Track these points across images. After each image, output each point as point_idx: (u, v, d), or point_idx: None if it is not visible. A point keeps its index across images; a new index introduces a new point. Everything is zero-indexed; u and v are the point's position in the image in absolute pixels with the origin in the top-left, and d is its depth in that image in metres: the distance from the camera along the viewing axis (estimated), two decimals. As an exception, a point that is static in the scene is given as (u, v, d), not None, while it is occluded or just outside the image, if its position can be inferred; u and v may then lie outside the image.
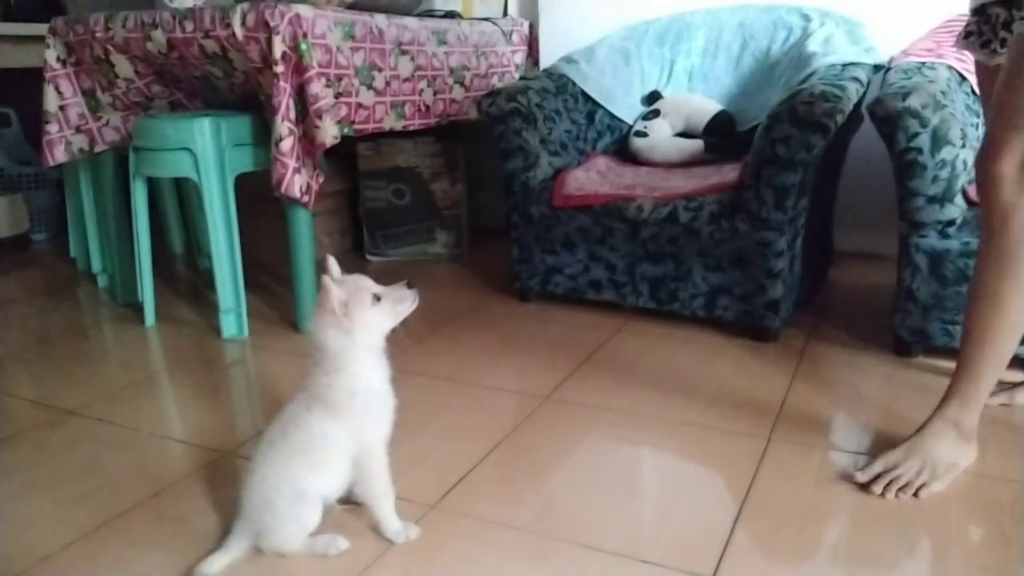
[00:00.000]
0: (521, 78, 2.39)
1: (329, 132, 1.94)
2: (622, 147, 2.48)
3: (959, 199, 1.66)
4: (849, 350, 1.90)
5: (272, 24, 1.87)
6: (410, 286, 1.19)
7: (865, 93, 1.99)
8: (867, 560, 1.14)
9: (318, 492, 1.16)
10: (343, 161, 2.81)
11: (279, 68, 1.88)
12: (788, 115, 1.77)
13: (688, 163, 2.31)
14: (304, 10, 1.91)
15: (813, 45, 2.21)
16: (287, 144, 1.93)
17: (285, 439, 1.16)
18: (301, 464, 1.15)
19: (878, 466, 1.32)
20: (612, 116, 2.52)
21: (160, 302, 2.28)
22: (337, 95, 2.03)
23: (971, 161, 1.69)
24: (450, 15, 2.66)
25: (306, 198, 2.00)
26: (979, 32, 1.34)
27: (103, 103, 2.34)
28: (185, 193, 2.80)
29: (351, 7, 2.18)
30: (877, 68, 2.07)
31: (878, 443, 1.48)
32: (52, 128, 2.29)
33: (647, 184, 2.06)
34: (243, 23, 1.90)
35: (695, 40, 2.52)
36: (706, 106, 2.39)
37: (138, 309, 2.24)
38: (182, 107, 2.39)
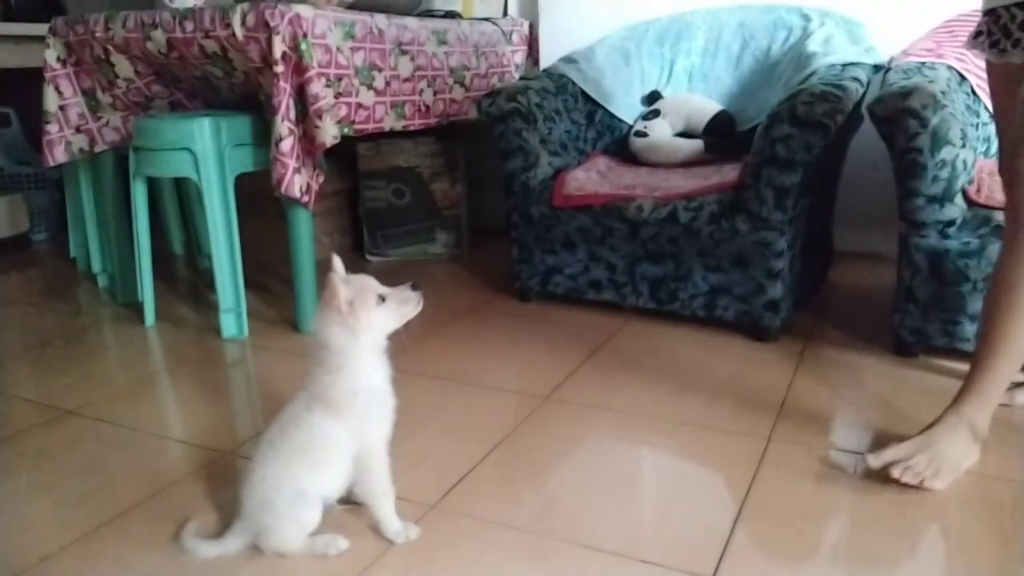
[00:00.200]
0: (521, 78, 2.39)
1: (329, 132, 1.94)
2: (622, 147, 2.48)
3: (959, 199, 1.66)
4: (849, 350, 1.90)
5: (272, 24, 1.87)
6: (415, 288, 1.19)
7: (865, 93, 1.99)
8: (867, 560, 1.14)
9: (318, 492, 1.17)
10: (343, 161, 2.81)
11: (279, 68, 1.89)
12: (788, 115, 1.77)
13: (688, 163, 2.31)
14: (304, 10, 1.91)
15: (813, 45, 2.21)
16: (287, 144, 1.93)
17: (285, 439, 1.16)
18: (301, 464, 1.15)
19: (890, 455, 1.32)
20: (612, 116, 2.52)
21: (160, 302, 2.28)
22: (337, 95, 2.03)
23: (971, 161, 1.69)
24: (450, 15, 2.66)
25: (306, 198, 2.00)
26: (988, 32, 1.35)
27: (103, 103, 2.34)
28: (185, 193, 2.80)
29: (351, 7, 2.18)
30: (877, 68, 2.07)
31: (878, 443, 1.47)
32: (52, 128, 2.29)
33: (647, 184, 2.06)
34: (243, 23, 1.90)
35: (695, 40, 2.52)
36: (706, 106, 2.39)
37: (138, 309, 2.24)
38: (182, 107, 2.39)
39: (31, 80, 2.58)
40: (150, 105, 2.36)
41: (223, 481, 1.39)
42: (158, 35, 2.04)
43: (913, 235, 1.72)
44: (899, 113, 1.63)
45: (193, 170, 1.99)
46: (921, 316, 1.76)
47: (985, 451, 1.39)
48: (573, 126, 2.41)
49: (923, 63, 1.86)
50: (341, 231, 2.96)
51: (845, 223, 2.54)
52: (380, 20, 2.17)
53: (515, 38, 2.84)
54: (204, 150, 1.98)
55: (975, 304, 1.69)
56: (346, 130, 2.08)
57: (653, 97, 2.50)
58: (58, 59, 2.26)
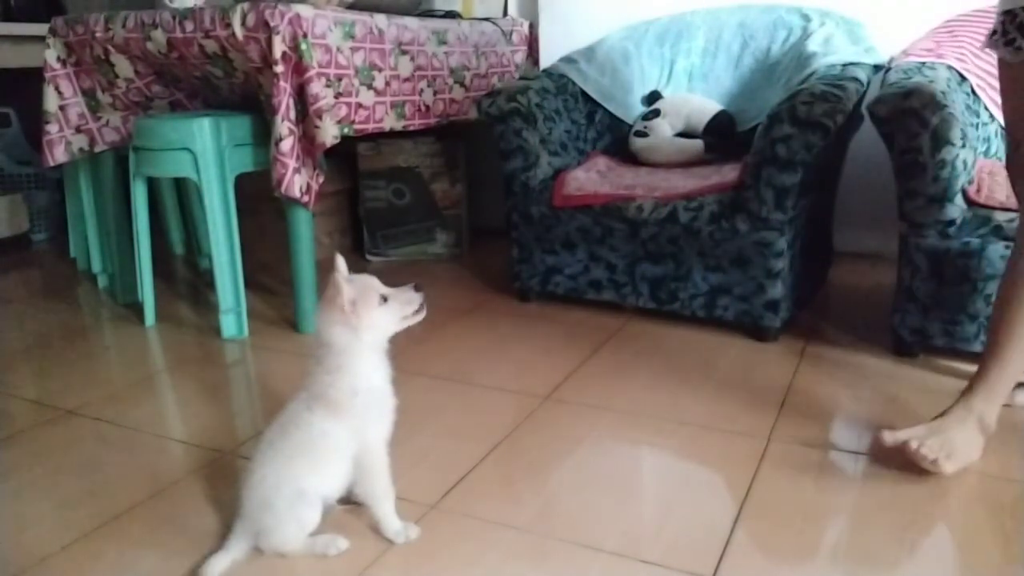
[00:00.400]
0: (521, 78, 2.39)
1: (329, 132, 1.94)
2: (622, 147, 2.48)
3: (959, 199, 1.66)
4: (849, 350, 1.90)
5: (272, 24, 1.87)
6: (418, 289, 1.19)
7: (865, 93, 1.99)
8: (867, 560, 1.14)
9: (318, 492, 1.16)
10: (343, 161, 2.81)
11: (279, 68, 1.88)
12: (788, 115, 1.77)
13: (688, 163, 2.31)
14: (304, 10, 1.91)
15: (813, 45, 2.21)
16: (287, 144, 1.93)
17: (285, 439, 1.16)
18: (301, 464, 1.15)
19: (904, 434, 1.34)
20: (612, 116, 2.52)
21: (160, 302, 2.28)
22: (337, 95, 2.03)
23: (971, 161, 1.69)
24: (450, 15, 2.65)
25: (306, 198, 2.00)
26: (1004, 31, 1.35)
27: (103, 103, 2.34)
28: (185, 193, 2.80)
29: (351, 7, 2.18)
30: (877, 68, 2.07)
31: (878, 443, 1.48)
32: (52, 128, 2.29)
33: (647, 184, 2.06)
34: (243, 23, 1.90)
35: (695, 40, 2.52)
36: (706, 106, 2.39)
37: (138, 309, 2.24)
38: (182, 107, 2.39)
39: (31, 80, 2.58)
40: (150, 105, 2.36)
41: (223, 481, 1.39)
42: (158, 35, 2.04)
43: (913, 235, 1.72)
44: (899, 113, 1.63)
45: (193, 170, 1.99)
46: (921, 316, 1.76)
47: (985, 451, 1.39)
48: (573, 126, 2.41)
49: (923, 63, 1.86)
50: (341, 231, 2.96)
51: (845, 223, 2.54)
52: (380, 20, 2.17)
53: (515, 38, 2.84)
54: (204, 150, 1.98)
55: (975, 304, 1.69)
56: (346, 130, 2.08)
57: (653, 97, 2.50)
58: (58, 59, 2.26)
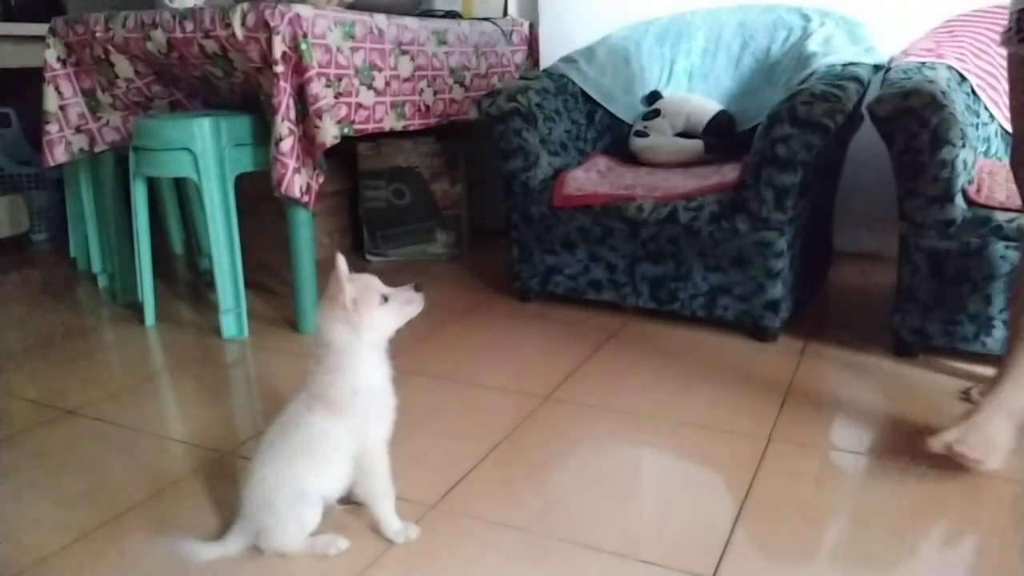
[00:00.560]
0: (521, 78, 2.40)
1: (329, 132, 1.94)
2: (622, 147, 2.48)
3: (959, 199, 1.66)
4: (849, 350, 1.90)
5: (272, 24, 1.87)
6: (418, 289, 1.19)
7: (865, 93, 1.99)
8: (867, 560, 1.14)
9: (318, 492, 1.17)
10: (343, 161, 2.81)
11: (279, 68, 1.89)
12: (788, 115, 1.77)
13: (688, 163, 2.31)
14: (304, 10, 1.91)
15: (813, 45, 2.21)
16: (287, 144, 1.93)
17: (286, 439, 1.16)
18: (302, 464, 1.15)
19: (949, 436, 1.33)
20: (612, 116, 2.52)
21: (160, 302, 2.28)
22: (337, 95, 2.03)
23: (971, 161, 1.69)
24: (450, 15, 2.66)
25: (306, 198, 2.00)
26: (1018, 28, 1.35)
27: (103, 103, 2.34)
28: (185, 193, 2.80)
29: (351, 7, 2.18)
30: (877, 68, 2.07)
31: (878, 443, 1.48)
32: (52, 128, 2.29)
33: (647, 184, 2.06)
34: (243, 23, 1.90)
35: (695, 40, 2.52)
36: (706, 106, 2.39)
37: (138, 309, 2.24)
38: (182, 107, 2.39)
39: (31, 80, 2.58)
40: (150, 105, 2.36)
41: (223, 481, 1.39)
42: (158, 35, 2.04)
43: (913, 235, 1.72)
44: (899, 113, 1.63)
45: (193, 170, 1.99)
46: (921, 316, 1.76)
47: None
48: (573, 126, 2.41)
49: (923, 63, 1.86)
50: (341, 231, 2.96)
51: (845, 223, 2.54)
52: (380, 20, 2.17)
53: (515, 38, 2.84)
54: (204, 150, 1.98)
55: (975, 304, 1.69)
56: (346, 130, 2.08)
57: (653, 97, 2.50)
58: (58, 59, 2.26)
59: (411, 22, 2.30)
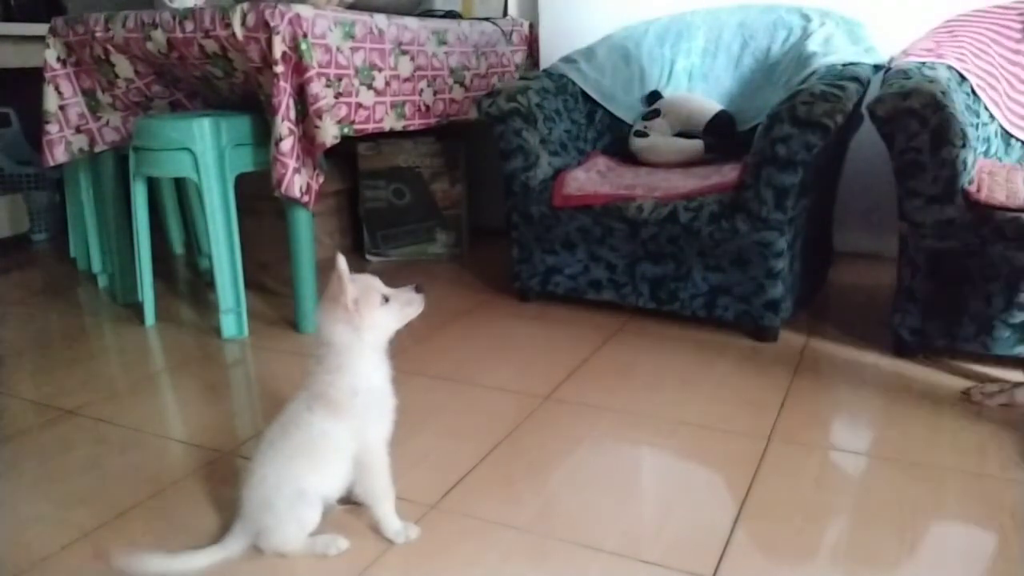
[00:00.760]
0: (521, 78, 2.40)
1: (329, 132, 1.94)
2: (622, 147, 2.48)
3: (959, 199, 1.66)
4: (849, 350, 1.90)
5: (272, 24, 1.87)
6: (419, 290, 1.19)
7: (865, 93, 1.99)
8: (867, 560, 1.14)
9: (318, 492, 1.17)
10: (343, 161, 2.81)
11: (279, 68, 1.89)
12: (788, 115, 1.77)
13: (688, 163, 2.31)
14: (304, 10, 1.91)
15: (813, 45, 2.21)
16: (287, 144, 1.93)
17: (286, 439, 1.16)
18: (302, 464, 1.15)
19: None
20: (612, 116, 2.52)
21: (160, 302, 2.28)
22: (337, 95, 2.03)
23: (971, 161, 1.69)
24: (450, 15, 2.66)
25: (306, 198, 2.00)
26: None
27: (103, 103, 2.34)
28: (185, 193, 2.80)
29: (351, 7, 2.18)
30: (877, 68, 2.07)
31: (878, 443, 1.48)
32: (52, 128, 2.29)
33: (647, 184, 2.06)
34: (243, 23, 1.90)
35: (695, 40, 2.52)
36: (706, 106, 2.39)
37: (138, 309, 2.24)
38: (182, 107, 2.39)
39: (31, 80, 2.58)
40: (150, 105, 2.36)
41: (223, 481, 1.39)
42: (158, 35, 2.04)
43: (913, 235, 1.72)
44: (899, 113, 1.63)
45: (193, 170, 1.99)
46: (921, 316, 1.76)
47: (985, 451, 1.39)
48: (573, 126, 2.41)
49: (923, 63, 1.86)
50: (341, 231, 2.96)
51: (845, 223, 2.54)
52: (380, 20, 2.17)
53: (515, 38, 2.84)
54: (204, 150, 1.98)
55: (975, 304, 1.69)
56: (346, 130, 2.08)
57: (653, 97, 2.50)
58: (58, 59, 2.26)
59: (411, 22, 2.30)
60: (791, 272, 1.94)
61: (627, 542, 1.20)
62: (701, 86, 2.52)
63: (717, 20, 2.51)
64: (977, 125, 1.97)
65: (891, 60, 2.03)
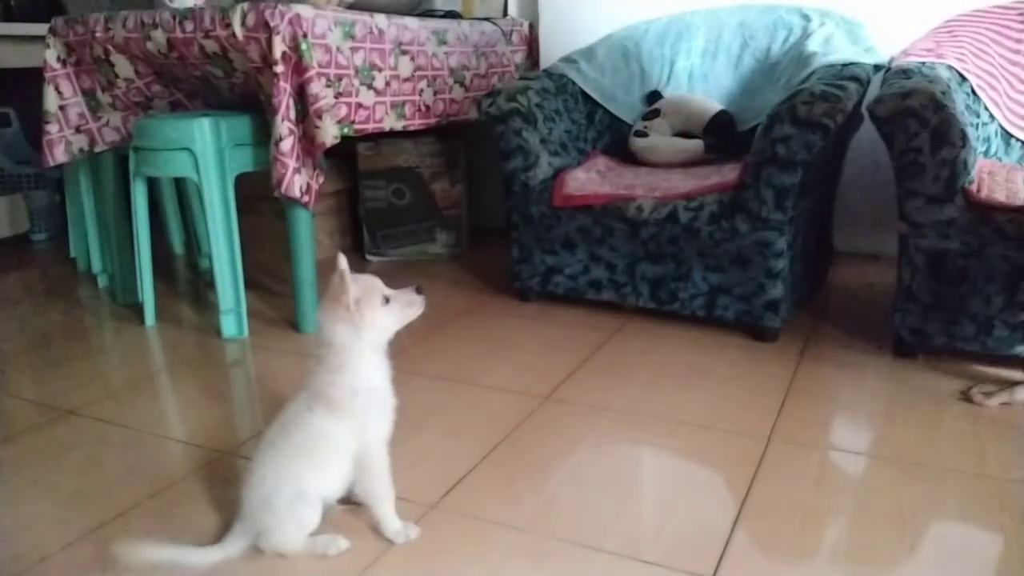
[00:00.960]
0: (521, 78, 2.40)
1: (329, 132, 1.94)
2: (622, 147, 2.48)
3: (959, 199, 1.66)
4: (849, 350, 1.90)
5: (272, 24, 1.87)
6: (419, 292, 1.20)
7: (865, 93, 1.99)
8: (867, 560, 1.14)
9: (318, 492, 1.17)
10: (343, 161, 2.81)
11: (279, 68, 1.88)
12: (788, 115, 1.77)
13: (688, 163, 2.31)
14: (304, 10, 1.91)
15: (813, 45, 2.21)
16: (287, 144, 1.93)
17: (286, 439, 1.17)
18: (302, 464, 1.15)
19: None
20: (612, 116, 2.52)
21: (160, 302, 2.28)
22: (337, 95, 2.03)
23: (971, 161, 1.69)
24: (450, 15, 2.66)
25: (306, 198, 2.00)
26: None
27: (103, 103, 2.34)
28: (185, 193, 2.80)
29: (351, 7, 2.18)
30: (877, 68, 2.07)
31: (878, 443, 1.48)
32: (52, 128, 2.29)
33: (647, 184, 2.06)
34: (243, 23, 1.90)
35: (695, 40, 2.52)
36: (706, 106, 2.39)
37: (138, 309, 2.24)
38: (182, 107, 2.39)
39: (31, 80, 2.58)
40: (150, 105, 2.36)
41: (223, 481, 1.39)
42: (158, 35, 2.04)
43: (913, 235, 1.72)
44: (899, 113, 1.63)
45: (193, 170, 1.99)
46: (921, 316, 1.76)
47: (985, 451, 1.39)
48: (573, 126, 2.41)
49: (923, 63, 1.86)
50: (341, 231, 2.96)
51: (845, 223, 2.54)
52: (380, 20, 2.17)
53: (515, 38, 2.84)
54: (204, 150, 1.98)
55: (975, 304, 1.69)
56: (346, 130, 2.08)
57: (653, 97, 2.50)
58: (58, 59, 2.26)
59: (411, 22, 2.30)
60: (791, 272, 1.94)
61: (627, 542, 1.20)
62: (701, 86, 2.52)
63: (717, 20, 2.51)
64: (977, 125, 1.97)
65: (891, 60, 2.03)
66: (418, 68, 2.33)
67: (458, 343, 2.04)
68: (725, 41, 2.49)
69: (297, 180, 1.96)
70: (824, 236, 2.39)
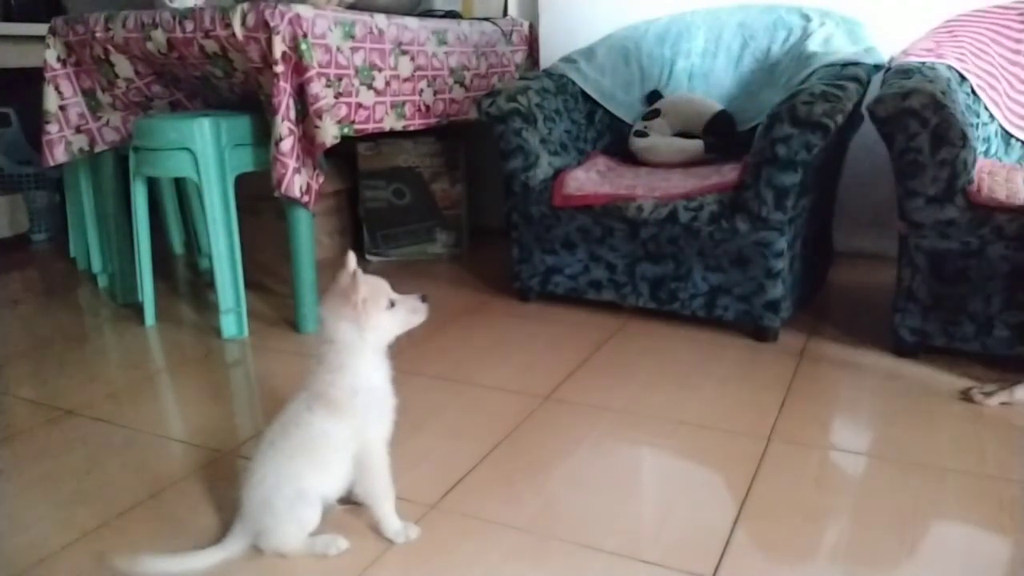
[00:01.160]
0: (521, 78, 2.40)
1: (329, 132, 1.94)
2: (622, 147, 2.48)
3: (959, 199, 1.66)
4: (849, 350, 1.90)
5: (272, 24, 1.87)
6: (424, 300, 1.20)
7: (865, 93, 1.99)
8: (867, 560, 1.14)
9: (318, 492, 1.17)
10: (343, 161, 2.81)
11: (279, 68, 1.89)
12: (788, 115, 1.77)
13: (688, 163, 2.31)
14: (304, 10, 1.91)
15: (813, 45, 2.21)
16: (287, 144, 1.93)
17: (286, 438, 1.16)
18: (302, 463, 1.15)
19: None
20: (612, 116, 2.52)
21: (160, 302, 2.28)
22: (337, 95, 2.03)
23: (971, 161, 1.69)
24: (450, 15, 2.66)
25: (306, 198, 2.00)
26: None
27: (103, 103, 2.34)
28: (185, 193, 2.80)
29: (351, 7, 2.18)
30: (877, 68, 2.07)
31: (878, 443, 1.48)
32: (52, 128, 2.29)
33: (647, 184, 2.06)
34: (243, 23, 1.90)
35: (695, 40, 2.52)
36: (706, 106, 2.39)
37: (138, 309, 2.24)
38: (182, 107, 2.39)
39: (31, 80, 2.58)
40: (150, 105, 2.36)
41: (223, 481, 1.39)
42: (158, 35, 2.04)
43: (913, 235, 1.72)
44: (899, 113, 1.63)
45: (193, 170, 1.99)
46: (921, 316, 1.76)
47: (984, 451, 1.39)
48: (573, 126, 2.41)
49: (923, 63, 1.86)
50: (341, 231, 2.96)
51: (845, 223, 2.54)
52: (380, 20, 2.17)
53: (515, 38, 2.84)
54: (204, 150, 1.98)
55: (975, 304, 1.69)
56: (346, 130, 2.08)
57: (653, 97, 2.50)
58: (58, 59, 2.26)
59: (411, 22, 2.30)
60: (791, 272, 1.94)
61: (627, 542, 1.20)
62: (701, 86, 2.52)
63: (717, 20, 2.51)
64: (977, 125, 1.97)
65: (891, 60, 2.03)
66: (418, 68, 2.33)
67: (458, 343, 2.04)
68: (725, 41, 2.49)
69: (297, 180, 1.96)
70: (824, 236, 2.39)
